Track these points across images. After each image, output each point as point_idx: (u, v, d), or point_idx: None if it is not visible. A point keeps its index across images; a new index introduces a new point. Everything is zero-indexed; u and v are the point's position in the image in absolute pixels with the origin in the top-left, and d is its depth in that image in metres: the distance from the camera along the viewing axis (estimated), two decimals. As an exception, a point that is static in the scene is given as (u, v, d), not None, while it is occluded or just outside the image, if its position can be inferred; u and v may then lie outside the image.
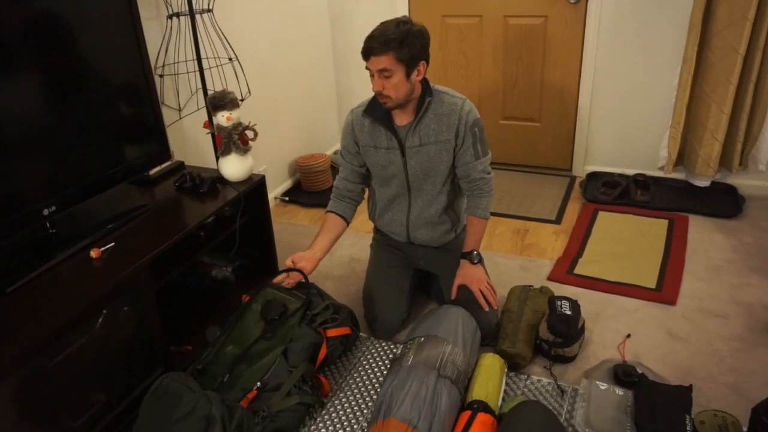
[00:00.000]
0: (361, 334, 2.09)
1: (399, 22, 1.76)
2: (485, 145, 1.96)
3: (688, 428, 1.52)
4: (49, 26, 1.61)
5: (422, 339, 1.75)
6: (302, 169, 3.23)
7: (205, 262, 2.32)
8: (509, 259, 2.53)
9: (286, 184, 3.31)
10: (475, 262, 1.99)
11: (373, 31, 1.77)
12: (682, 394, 1.64)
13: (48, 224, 1.73)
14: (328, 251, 2.04)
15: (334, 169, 3.38)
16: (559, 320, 1.86)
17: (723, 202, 2.86)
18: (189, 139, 2.49)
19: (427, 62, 1.84)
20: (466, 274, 1.99)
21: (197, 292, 2.27)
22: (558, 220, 2.86)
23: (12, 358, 1.33)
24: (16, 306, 1.47)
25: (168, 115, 2.30)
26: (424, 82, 1.89)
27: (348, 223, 2.09)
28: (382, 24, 1.78)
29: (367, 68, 1.81)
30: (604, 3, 2.90)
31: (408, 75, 1.79)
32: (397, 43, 1.73)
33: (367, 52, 1.76)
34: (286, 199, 3.20)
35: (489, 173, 1.99)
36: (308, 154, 3.34)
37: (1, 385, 1.32)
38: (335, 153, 3.59)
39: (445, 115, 1.88)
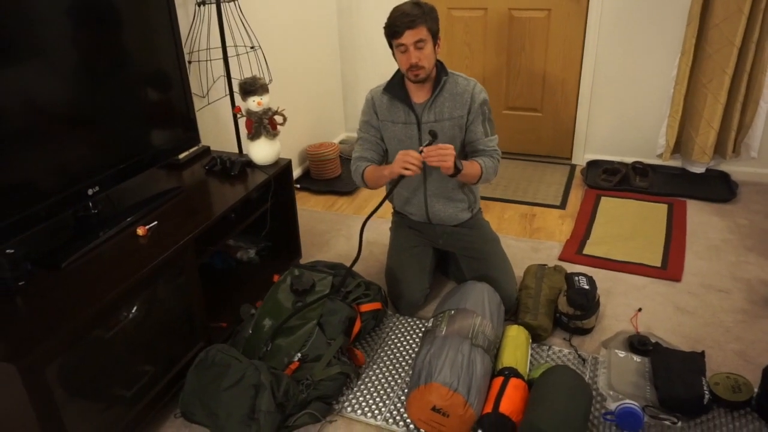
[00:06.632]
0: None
1: (415, 3, 1.89)
2: (493, 126, 2.08)
3: (705, 389, 1.65)
4: (92, 12, 1.66)
5: (452, 312, 1.85)
6: (312, 157, 3.30)
7: (230, 244, 2.38)
8: (520, 241, 2.64)
9: (296, 172, 3.37)
10: (458, 164, 1.89)
11: (397, 11, 1.87)
12: (696, 359, 1.76)
13: (90, 204, 1.79)
14: None
15: (342, 158, 3.46)
16: (578, 294, 1.98)
17: (717, 188, 3.01)
18: (213, 124, 2.55)
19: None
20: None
21: (223, 273, 2.33)
22: (563, 205, 2.98)
23: (73, 329, 1.38)
24: (72, 280, 1.53)
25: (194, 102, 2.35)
26: (439, 64, 2.00)
27: None
28: (401, 5, 1.89)
29: (399, 45, 1.89)
30: (605, -3, 3.02)
31: (434, 46, 1.93)
32: (428, 16, 1.87)
33: (403, 26, 1.85)
34: (297, 186, 3.27)
35: (497, 151, 2.07)
36: (318, 143, 3.41)
37: (63, 355, 1.38)
38: (341, 143, 3.67)
39: (458, 94, 2.00)
